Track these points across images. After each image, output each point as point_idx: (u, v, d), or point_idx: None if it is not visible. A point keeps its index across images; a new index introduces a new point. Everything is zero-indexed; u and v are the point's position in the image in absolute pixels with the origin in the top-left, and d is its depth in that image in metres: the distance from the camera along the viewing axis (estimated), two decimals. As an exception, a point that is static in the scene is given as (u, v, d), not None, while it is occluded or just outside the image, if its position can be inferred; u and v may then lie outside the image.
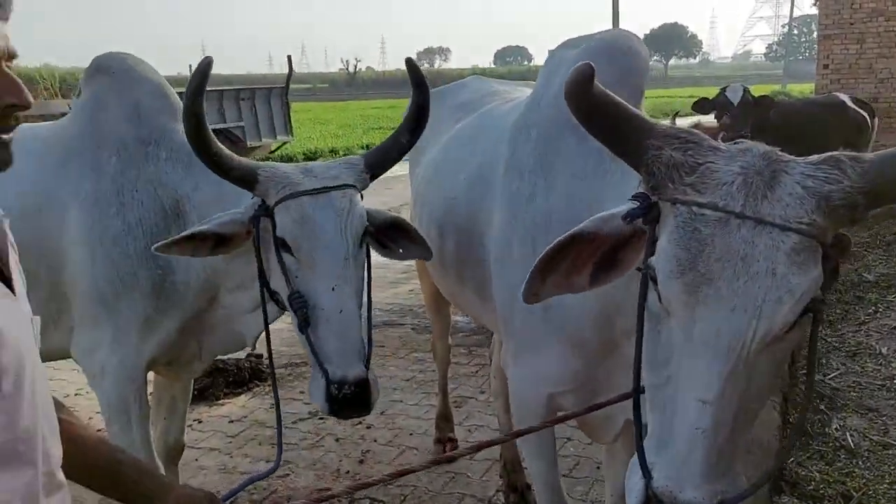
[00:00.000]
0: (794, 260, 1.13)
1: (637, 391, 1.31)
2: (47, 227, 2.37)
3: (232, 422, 4.09)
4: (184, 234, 2.07)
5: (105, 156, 2.38)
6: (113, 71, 2.47)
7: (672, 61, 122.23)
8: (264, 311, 2.16)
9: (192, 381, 3.00)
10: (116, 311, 2.38)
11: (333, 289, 1.97)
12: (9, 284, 1.12)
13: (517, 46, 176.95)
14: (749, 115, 6.81)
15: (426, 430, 3.84)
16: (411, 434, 3.85)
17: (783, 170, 1.19)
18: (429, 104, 2.17)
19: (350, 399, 1.95)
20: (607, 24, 28.17)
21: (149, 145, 2.40)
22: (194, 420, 4.03)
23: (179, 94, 2.31)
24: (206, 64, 1.95)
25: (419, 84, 2.16)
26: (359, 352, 2.00)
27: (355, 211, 2.04)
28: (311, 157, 16.24)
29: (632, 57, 2.00)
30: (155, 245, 2.05)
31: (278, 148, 15.35)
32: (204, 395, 4.30)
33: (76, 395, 4.50)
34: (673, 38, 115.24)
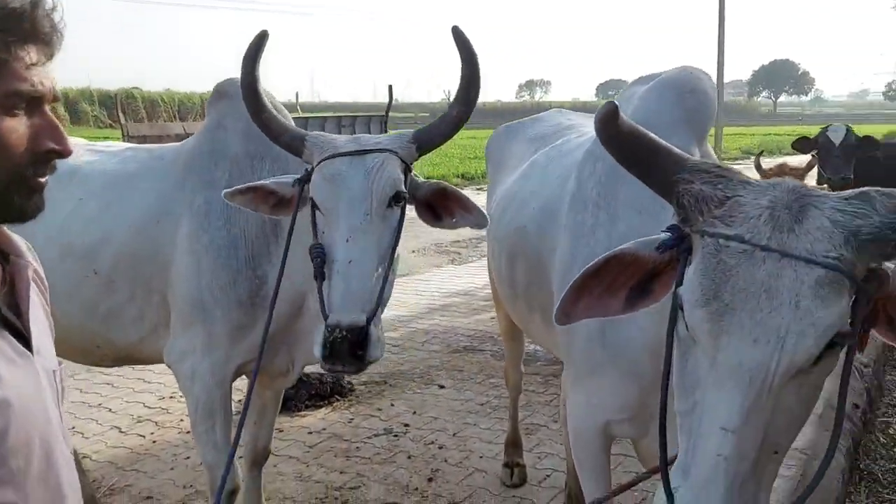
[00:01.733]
0: (819, 293, 1.14)
1: (663, 417, 1.34)
2: (162, 238, 2.58)
3: (311, 433, 4.27)
4: (246, 185, 2.25)
5: (219, 172, 2.58)
6: (231, 94, 2.64)
7: (782, 98, 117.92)
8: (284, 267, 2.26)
9: (283, 391, 3.14)
10: (212, 318, 2.54)
11: (348, 240, 2.04)
12: (26, 340, 1.05)
13: (619, 80, 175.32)
14: (852, 156, 6.55)
15: (496, 453, 3.90)
16: (481, 457, 3.92)
17: (812, 204, 1.21)
18: (478, 77, 2.21)
19: (342, 346, 1.95)
20: (712, 62, 27.53)
21: (255, 159, 2.58)
22: (276, 429, 4.23)
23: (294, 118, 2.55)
24: (262, 35, 2.21)
25: (468, 58, 2.20)
26: (361, 301, 2.00)
27: (385, 171, 2.09)
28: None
29: (699, 95, 2.05)
30: (224, 190, 2.24)
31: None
32: (286, 405, 4.48)
33: (170, 397, 4.81)
34: (783, 75, 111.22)
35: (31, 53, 0.97)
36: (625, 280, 1.45)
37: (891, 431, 3.73)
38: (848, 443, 3.11)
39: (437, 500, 3.49)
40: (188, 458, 3.95)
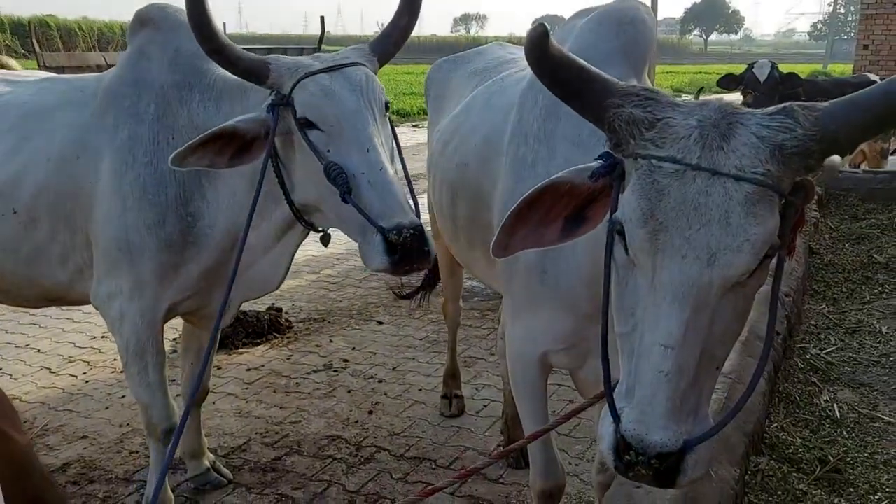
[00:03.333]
0: (750, 209, 1.18)
1: (605, 341, 1.38)
2: (83, 174, 2.45)
3: (249, 370, 4.26)
4: (203, 135, 2.04)
5: (144, 104, 2.42)
6: (154, 21, 2.51)
7: (713, 36, 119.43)
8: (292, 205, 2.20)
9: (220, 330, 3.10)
10: (139, 260, 2.43)
11: (368, 150, 2.01)
12: None
13: (554, 15, 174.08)
14: (775, 93, 6.75)
15: (434, 386, 3.98)
16: (420, 390, 3.99)
17: (739, 121, 1.24)
18: None
19: (411, 244, 1.96)
20: (646, -4, 27.55)
21: (183, 89, 2.42)
22: (214, 367, 4.20)
23: None
24: None
25: None
26: (403, 203, 2.01)
27: (373, 81, 2.10)
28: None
29: (637, 25, 2.04)
30: (171, 156, 2.03)
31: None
32: (224, 343, 4.46)
33: (102, 337, 4.70)
34: (714, 13, 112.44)
35: None
36: (560, 210, 1.47)
37: (807, 356, 3.96)
38: (769, 367, 3.29)
39: (378, 431, 3.55)
40: (123, 396, 3.89)
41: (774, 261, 1.28)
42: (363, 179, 1.99)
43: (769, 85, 6.85)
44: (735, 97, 7.11)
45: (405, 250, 1.96)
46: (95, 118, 2.49)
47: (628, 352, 1.29)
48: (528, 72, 2.49)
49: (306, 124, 2.05)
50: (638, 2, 2.15)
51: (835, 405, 3.41)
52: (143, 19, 2.57)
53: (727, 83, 7.31)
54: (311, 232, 2.45)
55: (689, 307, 1.20)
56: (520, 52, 3.04)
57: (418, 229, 1.98)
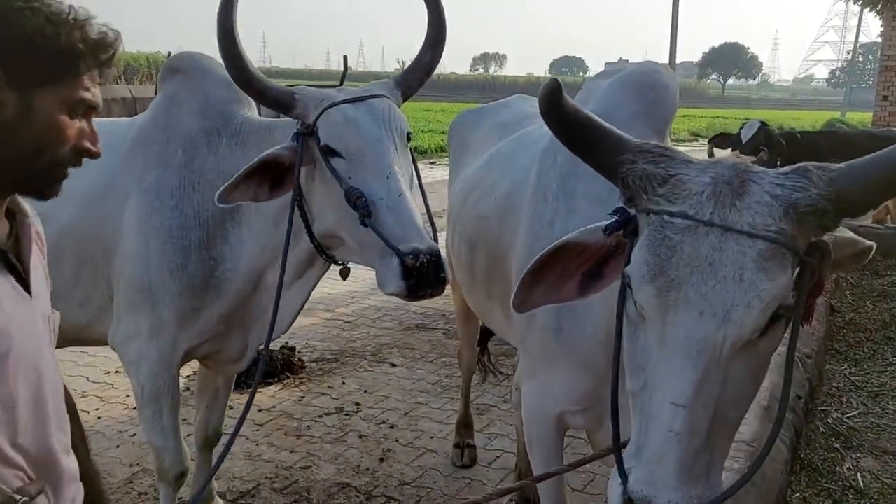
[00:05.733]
0: (762, 266, 1.17)
1: (615, 397, 1.37)
2: (107, 215, 2.47)
3: (261, 411, 4.24)
4: (248, 167, 2.08)
5: (172, 149, 2.46)
6: (184, 69, 2.57)
7: (730, 81, 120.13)
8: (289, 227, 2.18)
9: (235, 375, 3.07)
10: (160, 303, 2.44)
11: (388, 177, 2.05)
12: (26, 285, 1.23)
13: (574, 57, 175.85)
14: (757, 153, 6.97)
15: (447, 434, 3.93)
16: (432, 437, 3.95)
17: (752, 179, 1.24)
18: (444, 21, 2.31)
19: (427, 270, 1.98)
20: (666, 41, 27.85)
21: (212, 135, 2.47)
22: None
23: None
24: None
25: (434, 5, 2.31)
26: (421, 228, 2.05)
27: (396, 112, 2.17)
28: (359, 155, 16.43)
29: (660, 91, 2.07)
30: (217, 194, 2.08)
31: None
32: (237, 382, 4.42)
33: (116, 372, 4.70)
34: (732, 58, 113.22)
35: (97, 75, 1.22)
36: (577, 266, 1.48)
37: (829, 421, 3.89)
38: (790, 433, 3.23)
39: (388, 480, 3.51)
40: (134, 434, 3.88)
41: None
42: (382, 204, 2.02)
43: (750, 146, 7.09)
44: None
45: (421, 275, 1.98)
46: (124, 161, 2.52)
47: (639, 410, 1.27)
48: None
49: (329, 152, 2.10)
50: (660, 65, 2.17)
51: (858, 474, 3.33)
52: (174, 67, 2.63)
53: (720, 141, 7.55)
54: (330, 267, 2.46)
55: (701, 365, 1.18)
56: (542, 107, 3.07)
57: (435, 255, 2.00)
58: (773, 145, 7.14)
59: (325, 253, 2.35)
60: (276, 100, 2.12)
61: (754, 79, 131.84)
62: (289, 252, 2.36)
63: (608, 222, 1.41)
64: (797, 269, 1.23)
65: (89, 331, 2.66)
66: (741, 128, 7.50)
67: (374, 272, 2.10)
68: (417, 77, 2.32)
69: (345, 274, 2.44)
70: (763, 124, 7.39)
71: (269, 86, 2.12)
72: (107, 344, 2.68)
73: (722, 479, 1.26)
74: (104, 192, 2.51)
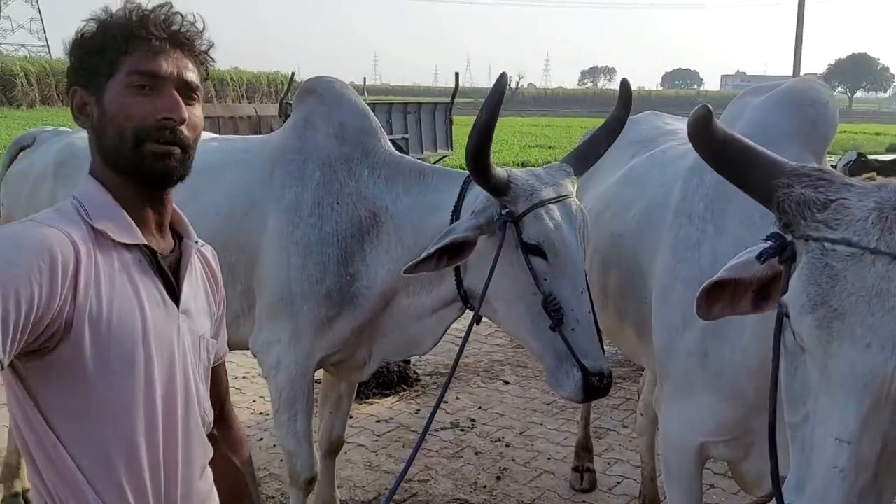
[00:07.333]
0: None
1: (773, 430, 1.29)
2: (248, 229, 2.60)
3: (379, 421, 4.31)
4: (437, 246, 2.15)
5: (309, 170, 2.58)
6: (320, 93, 2.69)
7: (859, 93, 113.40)
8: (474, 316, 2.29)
9: (357, 383, 3.17)
10: (299, 312, 2.55)
11: (582, 292, 2.17)
12: (175, 298, 1.28)
13: (687, 70, 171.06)
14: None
15: (564, 456, 3.86)
16: (549, 458, 3.88)
17: None
18: (626, 120, 2.42)
19: (604, 388, 2.17)
20: (787, 54, 26.58)
21: (352, 162, 2.57)
22: (345, 416, 4.28)
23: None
24: (504, 84, 2.10)
25: (626, 103, 2.41)
26: (602, 347, 2.22)
27: (587, 219, 2.25)
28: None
29: (820, 109, 1.96)
30: (405, 268, 2.19)
31: (438, 161, 15.83)
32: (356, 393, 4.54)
33: (243, 377, 4.91)
34: (860, 70, 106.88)
35: (156, 46, 1.22)
36: (745, 289, 1.42)
37: None
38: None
39: (506, 499, 3.48)
40: (261, 439, 4.02)
41: None
42: (573, 315, 2.14)
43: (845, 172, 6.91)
44: None
45: (595, 391, 2.16)
46: (262, 179, 2.64)
47: (799, 443, 1.21)
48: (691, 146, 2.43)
49: (531, 250, 2.15)
50: (818, 81, 2.06)
51: None
52: (310, 90, 2.74)
53: None
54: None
55: (868, 399, 1.11)
56: (678, 123, 2.98)
57: (611, 376, 2.18)
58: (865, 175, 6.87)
59: (468, 303, 2.44)
60: (496, 186, 2.17)
61: (885, 91, 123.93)
62: (431, 289, 2.50)
63: (762, 248, 1.34)
64: None
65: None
66: (839, 159, 7.26)
67: (543, 366, 2.26)
68: (589, 164, 2.39)
69: (478, 321, 2.49)
70: (860, 155, 7.11)
71: (494, 175, 2.16)
72: (239, 349, 2.81)
73: None
74: (246, 208, 2.63)
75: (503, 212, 2.17)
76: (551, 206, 2.17)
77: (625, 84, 2.43)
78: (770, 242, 1.33)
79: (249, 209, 2.63)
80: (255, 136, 3.10)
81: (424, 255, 2.16)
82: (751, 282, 1.40)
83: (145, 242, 1.25)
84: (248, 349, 2.83)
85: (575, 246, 2.17)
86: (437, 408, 2.03)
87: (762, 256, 1.33)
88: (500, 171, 2.18)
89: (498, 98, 2.08)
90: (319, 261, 2.52)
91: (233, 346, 2.87)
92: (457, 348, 5.85)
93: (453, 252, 2.18)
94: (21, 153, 3.35)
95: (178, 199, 2.75)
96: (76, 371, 1.13)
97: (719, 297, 1.41)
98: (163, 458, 1.23)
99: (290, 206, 2.56)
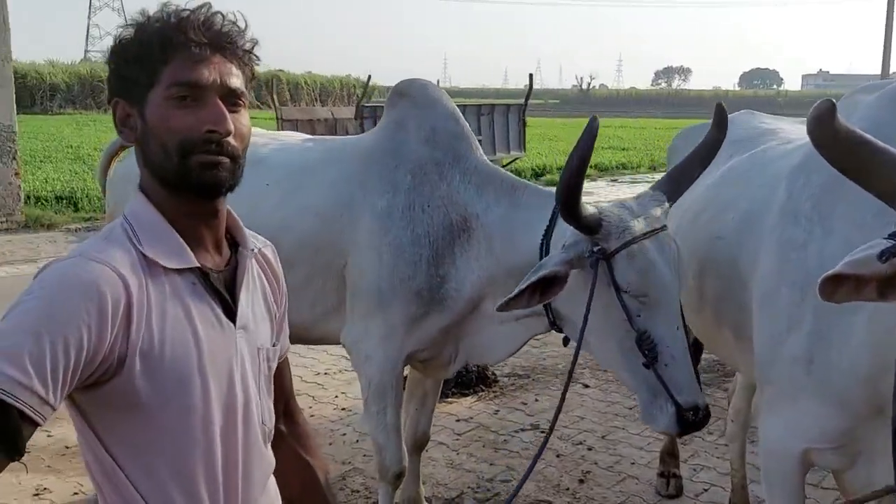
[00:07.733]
0: None
1: None
2: (342, 229, 2.68)
3: (459, 421, 4.33)
4: (529, 282, 2.11)
5: (401, 173, 2.65)
6: (412, 96, 2.75)
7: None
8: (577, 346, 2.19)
9: (442, 381, 3.22)
10: (389, 309, 2.63)
11: (677, 328, 2.16)
12: (231, 315, 1.22)
13: (766, 69, 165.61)
14: None
15: (648, 461, 3.80)
16: (633, 463, 3.83)
17: None
18: (720, 146, 2.34)
19: (701, 423, 2.16)
20: (874, 51, 25.48)
21: (443, 167, 2.63)
22: (425, 414, 4.33)
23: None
24: (595, 128, 2.06)
25: (720, 125, 2.33)
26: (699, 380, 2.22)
27: (681, 254, 2.22)
28: (539, 172, 16.50)
29: None
30: (498, 305, 2.17)
31: (510, 162, 15.79)
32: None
33: (325, 374, 5.02)
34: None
35: (196, 53, 1.15)
36: (865, 283, 1.35)
37: None
38: None
39: (590, 502, 3.45)
40: (345, 434, 4.11)
41: None
42: (667, 352, 2.13)
43: None
44: None
45: (690, 426, 2.15)
46: (356, 180, 2.71)
47: None
48: (794, 146, 2.37)
49: (619, 287, 2.13)
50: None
51: None
52: (403, 92, 2.80)
53: None
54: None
55: None
56: (777, 123, 2.90)
57: (707, 410, 2.15)
58: None
59: (555, 325, 2.47)
60: (587, 225, 2.14)
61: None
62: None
63: (884, 247, 1.30)
64: None
65: (314, 329, 2.88)
66: None
67: (637, 399, 2.28)
68: (682, 190, 2.34)
69: (567, 342, 2.55)
70: None
71: (585, 214, 2.14)
72: (327, 343, 2.89)
73: None
74: (342, 209, 2.71)
75: (595, 248, 2.12)
76: (644, 243, 2.13)
77: (720, 107, 2.36)
78: (893, 242, 1.29)
79: (344, 211, 2.71)
80: (347, 136, 3.18)
81: (516, 291, 2.13)
82: (871, 278, 1.36)
83: (197, 265, 1.19)
84: (336, 343, 2.92)
85: (669, 281, 2.15)
86: (559, 409, 2.05)
87: (884, 255, 1.29)
88: (590, 209, 2.14)
89: (590, 143, 2.05)
90: (411, 261, 2.58)
91: (322, 341, 2.99)
92: (535, 350, 5.85)
93: (545, 287, 2.15)
94: (117, 156, 3.53)
95: (275, 199, 2.88)
96: (131, 402, 1.12)
97: (842, 283, 1.36)
98: (222, 480, 1.20)
99: (382, 211, 2.64)
